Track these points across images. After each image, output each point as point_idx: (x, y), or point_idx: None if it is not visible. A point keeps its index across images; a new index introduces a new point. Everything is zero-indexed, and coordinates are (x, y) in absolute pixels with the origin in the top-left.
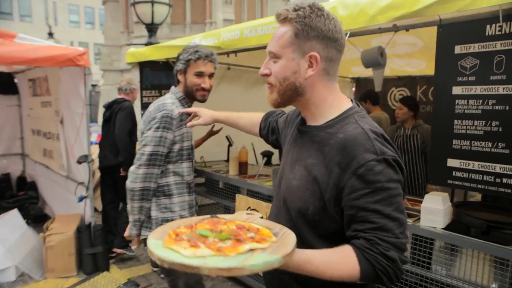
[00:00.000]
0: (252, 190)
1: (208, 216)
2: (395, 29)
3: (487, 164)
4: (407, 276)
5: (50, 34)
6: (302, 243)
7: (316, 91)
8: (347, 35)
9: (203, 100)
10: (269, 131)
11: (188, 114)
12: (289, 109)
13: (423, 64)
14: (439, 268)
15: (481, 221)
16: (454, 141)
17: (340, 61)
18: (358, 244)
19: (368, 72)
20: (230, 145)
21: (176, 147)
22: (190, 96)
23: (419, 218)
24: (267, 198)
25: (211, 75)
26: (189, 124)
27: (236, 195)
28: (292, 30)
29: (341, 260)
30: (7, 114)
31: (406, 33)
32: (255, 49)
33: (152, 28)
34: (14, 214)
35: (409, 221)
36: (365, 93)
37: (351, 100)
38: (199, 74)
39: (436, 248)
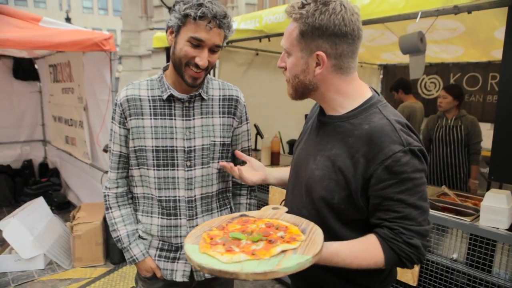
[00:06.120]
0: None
1: (238, 214)
2: (456, 10)
3: None
4: (463, 279)
5: (68, 20)
6: (326, 230)
7: (330, 85)
8: (418, 16)
9: (192, 85)
10: None
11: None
12: None
13: (460, 51)
14: (502, 272)
15: None
16: None
17: (356, 52)
18: (382, 234)
19: (397, 59)
20: (258, 133)
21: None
22: (178, 72)
23: (477, 217)
24: None
25: (215, 49)
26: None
27: (270, 186)
28: (298, 29)
29: (367, 250)
30: (28, 101)
31: (448, 17)
32: None
33: None
34: (40, 202)
35: (466, 219)
36: (397, 82)
37: (371, 88)
38: (196, 43)
39: (498, 250)
